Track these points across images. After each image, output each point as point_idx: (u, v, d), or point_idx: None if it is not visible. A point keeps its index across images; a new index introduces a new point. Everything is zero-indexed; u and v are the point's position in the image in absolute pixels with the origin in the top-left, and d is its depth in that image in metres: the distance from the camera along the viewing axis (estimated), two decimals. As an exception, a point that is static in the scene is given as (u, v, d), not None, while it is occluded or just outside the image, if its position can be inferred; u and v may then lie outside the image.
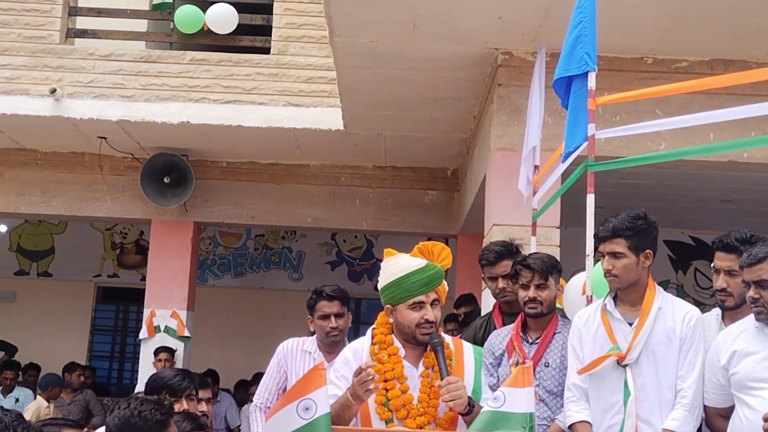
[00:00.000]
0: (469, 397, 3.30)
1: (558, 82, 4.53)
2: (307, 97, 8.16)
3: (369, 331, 3.61)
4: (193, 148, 9.08)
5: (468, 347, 3.54)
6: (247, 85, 8.22)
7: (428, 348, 3.47)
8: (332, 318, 4.73)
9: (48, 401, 9.32)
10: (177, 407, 3.84)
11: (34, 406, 9.14)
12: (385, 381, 3.43)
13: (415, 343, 3.50)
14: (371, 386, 3.23)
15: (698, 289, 12.08)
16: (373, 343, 3.55)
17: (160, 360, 8.84)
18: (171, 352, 9.07)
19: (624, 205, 3.86)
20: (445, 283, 3.54)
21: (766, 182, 7.41)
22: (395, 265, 3.51)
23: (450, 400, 3.25)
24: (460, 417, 3.38)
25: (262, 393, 5.01)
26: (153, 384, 4.09)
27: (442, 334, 3.57)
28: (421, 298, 3.45)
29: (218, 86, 8.23)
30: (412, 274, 3.47)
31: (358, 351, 3.60)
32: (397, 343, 3.51)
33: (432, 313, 3.44)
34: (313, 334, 4.99)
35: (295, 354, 4.89)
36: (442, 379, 3.34)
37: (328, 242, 13.05)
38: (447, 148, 8.70)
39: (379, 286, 3.58)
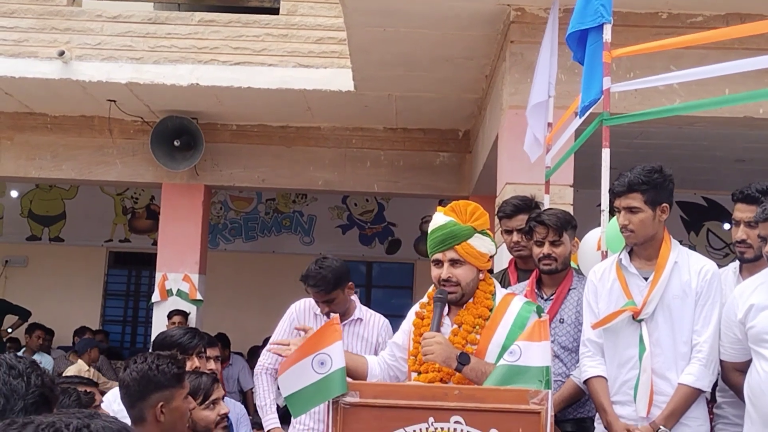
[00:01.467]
0: (462, 354, 3.28)
1: (571, 37, 4.47)
2: (317, 58, 8.09)
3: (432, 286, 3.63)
4: (203, 111, 9.04)
5: (516, 304, 3.47)
6: (256, 46, 8.15)
7: (464, 306, 3.47)
8: (321, 305, 4.70)
9: (89, 365, 9.11)
10: (188, 365, 3.84)
11: (75, 369, 8.68)
12: (421, 335, 3.44)
13: (453, 301, 3.49)
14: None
15: (710, 249, 12.01)
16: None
17: (173, 323, 8.84)
18: (185, 315, 9.09)
19: (636, 166, 3.80)
20: (476, 243, 3.42)
21: (781, 140, 7.34)
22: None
23: (423, 355, 3.31)
24: None
25: (271, 354, 4.80)
26: (162, 342, 4.07)
27: (496, 286, 3.54)
28: (438, 256, 3.45)
29: (227, 47, 8.16)
30: (431, 232, 3.49)
31: (416, 306, 3.66)
32: None
33: (447, 272, 3.42)
34: None
35: (308, 316, 4.85)
36: None
37: (339, 206, 13.02)
38: (458, 109, 8.64)
39: None
